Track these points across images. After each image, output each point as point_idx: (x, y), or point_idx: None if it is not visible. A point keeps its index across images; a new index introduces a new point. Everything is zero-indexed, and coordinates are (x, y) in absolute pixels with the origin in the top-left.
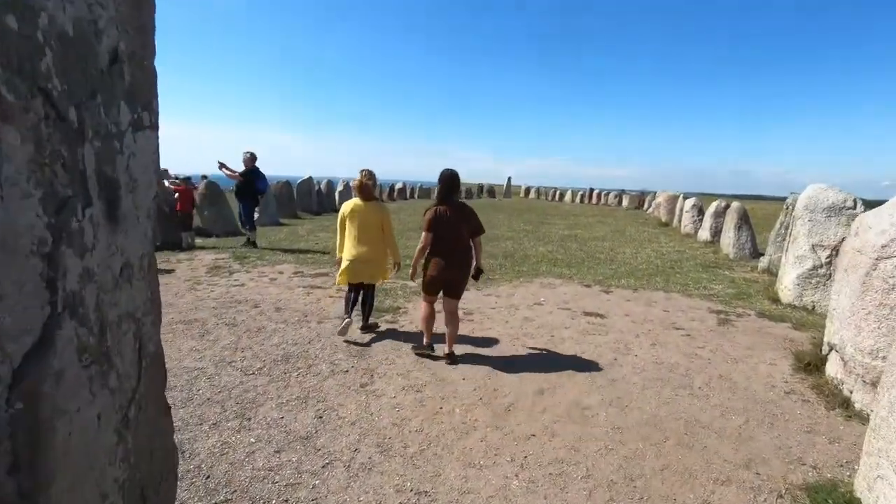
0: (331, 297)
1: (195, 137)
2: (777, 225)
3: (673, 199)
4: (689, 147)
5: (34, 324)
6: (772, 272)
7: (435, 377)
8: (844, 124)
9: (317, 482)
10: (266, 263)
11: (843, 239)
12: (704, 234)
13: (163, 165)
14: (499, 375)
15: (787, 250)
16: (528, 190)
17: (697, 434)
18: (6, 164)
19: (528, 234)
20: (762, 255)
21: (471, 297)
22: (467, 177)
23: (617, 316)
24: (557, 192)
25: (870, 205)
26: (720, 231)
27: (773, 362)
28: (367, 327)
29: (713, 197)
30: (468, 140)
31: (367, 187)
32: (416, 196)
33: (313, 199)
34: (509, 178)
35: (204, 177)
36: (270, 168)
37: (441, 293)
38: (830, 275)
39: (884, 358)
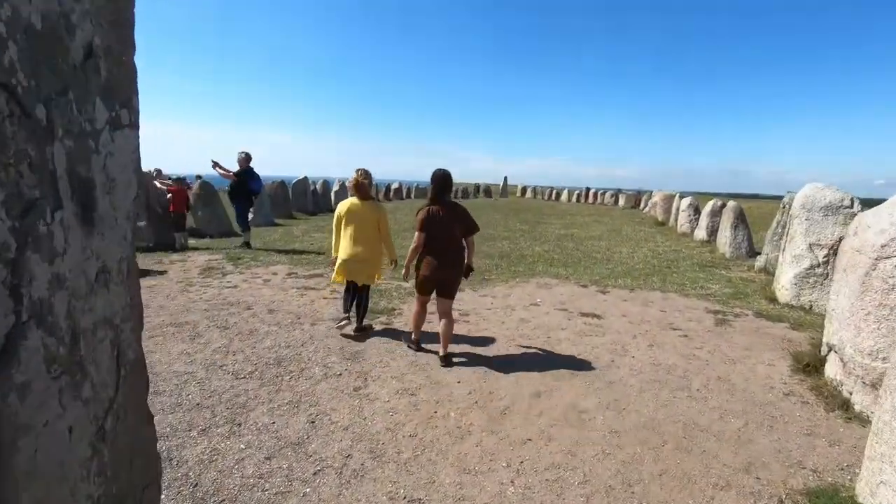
0: (325, 298)
1: (191, 137)
2: (774, 224)
3: (669, 199)
4: (685, 147)
5: None
6: (768, 271)
7: (430, 380)
8: (839, 124)
9: (307, 490)
10: (260, 264)
11: (840, 238)
12: (701, 233)
13: (157, 165)
14: (494, 378)
15: (784, 250)
16: (524, 189)
17: (696, 437)
18: None
19: (524, 234)
20: (759, 254)
21: (467, 298)
22: (464, 176)
23: (614, 316)
24: (554, 192)
25: (864, 203)
26: (716, 230)
27: (772, 363)
28: (360, 329)
29: (709, 196)
30: (465, 140)
31: (364, 186)
32: (412, 196)
33: (308, 199)
34: (506, 178)
35: (198, 177)
36: (267, 168)
37: (434, 294)
38: (828, 274)
39: (884, 359)
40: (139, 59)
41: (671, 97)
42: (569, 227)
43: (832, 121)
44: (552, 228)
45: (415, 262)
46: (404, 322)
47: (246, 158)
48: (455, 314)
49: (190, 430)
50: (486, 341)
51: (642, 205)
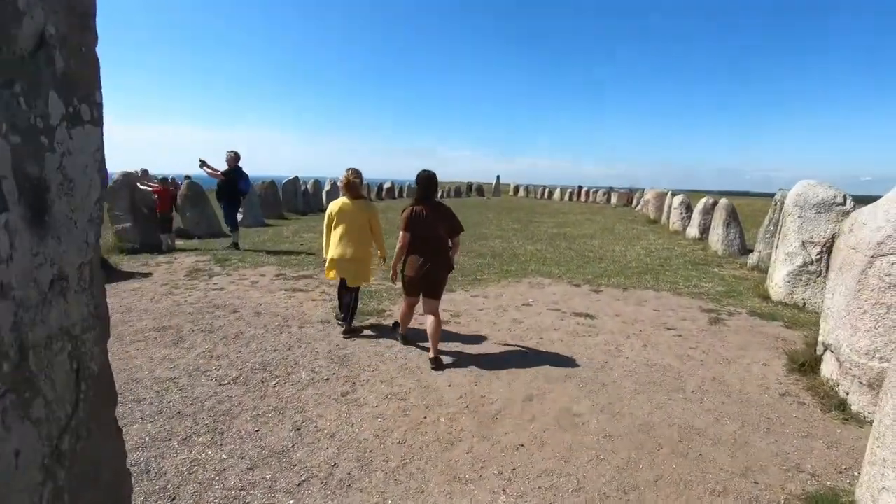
0: (313, 300)
1: (180, 138)
2: (766, 221)
3: (661, 197)
4: (677, 145)
5: None
6: (761, 269)
7: (420, 384)
8: (826, 122)
9: (291, 502)
10: (248, 266)
11: (833, 235)
12: (693, 231)
13: (143, 166)
14: (486, 381)
15: (776, 247)
16: (517, 188)
17: (692, 441)
18: None
19: (516, 233)
20: (751, 251)
21: (459, 299)
22: (456, 176)
23: (607, 316)
24: (546, 190)
25: (854, 200)
26: (709, 228)
27: (767, 363)
28: (350, 331)
29: (701, 194)
30: (458, 139)
31: (355, 185)
32: (404, 195)
33: (299, 199)
34: (498, 177)
35: (187, 177)
36: (258, 168)
37: (421, 295)
38: (821, 272)
39: (881, 358)
40: (131, 57)
41: (663, 96)
42: (561, 226)
43: (820, 119)
44: (544, 227)
45: (401, 262)
46: (393, 324)
47: (234, 157)
48: (447, 315)
49: (170, 440)
50: (478, 343)
51: (634, 203)
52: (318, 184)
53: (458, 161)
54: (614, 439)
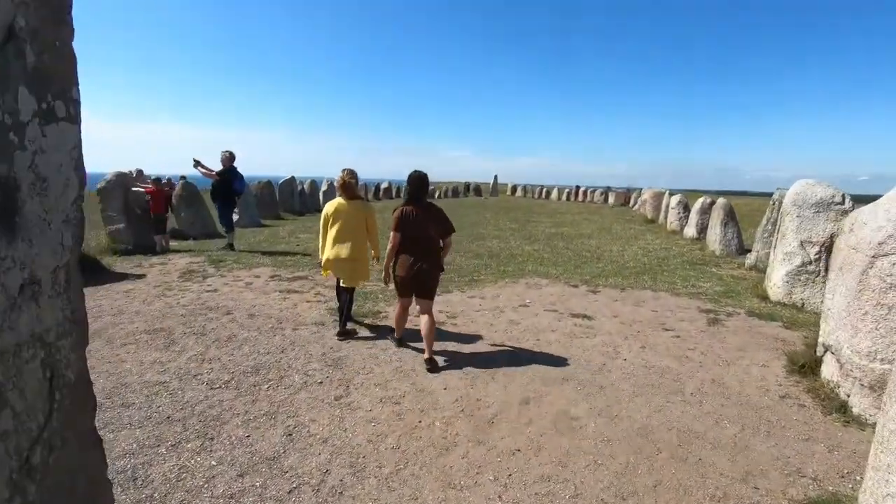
0: (308, 301)
1: (176, 138)
2: (763, 221)
3: (659, 196)
4: (674, 144)
5: None
6: (759, 269)
7: (414, 387)
8: (823, 122)
9: None
10: (242, 267)
11: (831, 235)
12: (691, 230)
13: (139, 166)
14: (482, 384)
15: (775, 247)
16: (514, 188)
17: (691, 445)
18: None
19: (514, 233)
20: (748, 251)
21: (455, 300)
22: (454, 176)
23: (605, 317)
24: (544, 190)
25: (852, 199)
26: (706, 228)
27: (766, 364)
28: (343, 333)
29: (698, 193)
30: (455, 139)
31: (350, 186)
32: (402, 195)
33: (296, 199)
34: (496, 177)
35: (183, 177)
36: (255, 168)
37: (414, 295)
38: (820, 271)
39: (882, 360)
40: (129, 56)
41: (660, 96)
42: (559, 226)
43: (817, 119)
44: (542, 227)
45: (392, 263)
46: (389, 325)
47: (230, 157)
48: (442, 316)
49: (158, 446)
50: (474, 345)
51: (632, 202)
52: (314, 184)
53: (456, 161)
54: (612, 443)
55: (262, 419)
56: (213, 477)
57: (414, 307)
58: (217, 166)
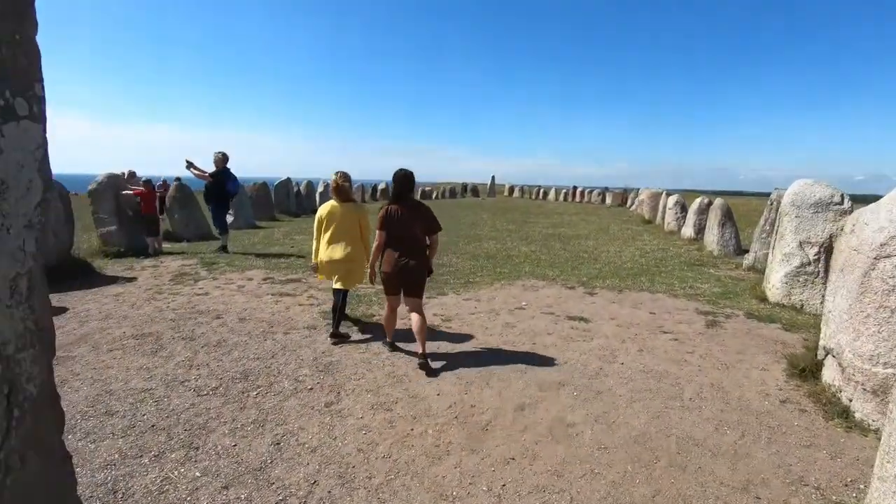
0: (300, 305)
1: (173, 139)
2: (761, 221)
3: (656, 197)
4: (671, 144)
5: None
6: (757, 269)
7: (407, 393)
8: (819, 122)
9: None
10: (235, 269)
11: (830, 235)
12: (688, 231)
13: (132, 167)
14: (476, 389)
15: (773, 248)
16: (511, 189)
17: (690, 453)
18: None
19: (511, 234)
20: (746, 251)
21: (450, 303)
22: (452, 176)
23: (602, 320)
24: (541, 191)
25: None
26: (704, 228)
27: (766, 367)
28: (336, 335)
29: (696, 193)
30: (452, 139)
31: (344, 189)
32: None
33: (291, 200)
34: (493, 177)
35: (177, 179)
36: (252, 170)
37: (402, 294)
38: (819, 272)
39: (885, 364)
40: (125, 56)
41: (657, 96)
42: (556, 227)
43: (813, 119)
44: (539, 228)
45: (378, 262)
46: (383, 330)
47: (223, 158)
48: (437, 320)
49: (141, 457)
50: (469, 349)
51: (629, 203)
52: (310, 185)
53: (454, 161)
54: (609, 451)
55: (250, 427)
56: (197, 489)
57: (403, 309)
58: (210, 167)
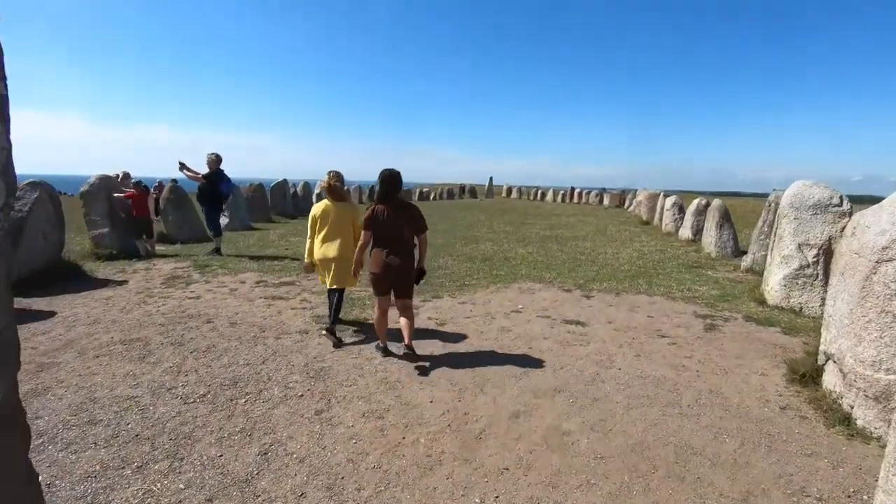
0: (293, 308)
1: (169, 140)
2: (759, 223)
3: (654, 198)
4: (668, 146)
5: None
6: (755, 271)
7: (399, 400)
8: (816, 122)
9: None
10: (228, 272)
11: (829, 238)
12: (686, 232)
13: (126, 168)
14: (470, 396)
15: (772, 250)
16: (510, 190)
17: (689, 462)
18: None
19: (508, 236)
20: (744, 253)
21: (445, 306)
22: (450, 177)
23: (599, 324)
24: (539, 192)
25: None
26: (701, 229)
27: (765, 373)
28: (331, 331)
29: (693, 194)
30: (450, 140)
31: (336, 189)
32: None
33: (288, 201)
34: (491, 178)
35: (174, 181)
36: (249, 171)
37: (392, 294)
38: (818, 275)
39: (888, 370)
40: (122, 56)
41: (656, 97)
42: (553, 228)
43: (811, 120)
44: (536, 229)
45: (362, 259)
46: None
47: (216, 160)
48: (432, 323)
49: (123, 468)
50: (464, 354)
51: (627, 204)
52: (307, 186)
53: (452, 163)
54: (606, 461)
55: (237, 437)
56: (180, 502)
57: (394, 313)
58: (204, 169)
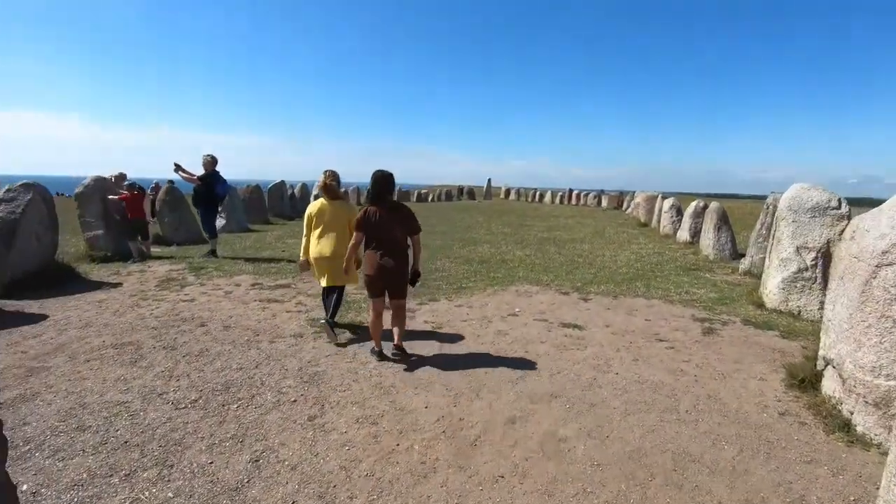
0: (288, 312)
1: (166, 141)
2: (758, 225)
3: (651, 200)
4: (666, 147)
5: None
6: (753, 274)
7: (394, 406)
8: (813, 124)
9: None
10: (223, 275)
11: (828, 241)
12: (684, 234)
13: (120, 170)
14: (466, 401)
15: (770, 253)
16: (508, 191)
17: (687, 470)
18: None
19: (505, 238)
20: (742, 256)
21: (441, 309)
22: (448, 179)
23: (596, 327)
24: (538, 193)
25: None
26: (699, 232)
27: (764, 377)
28: (332, 324)
29: (691, 196)
30: (449, 142)
31: (332, 187)
32: (394, 197)
33: (286, 203)
34: (489, 180)
35: (171, 182)
36: (247, 173)
37: (386, 295)
38: (816, 278)
39: (888, 376)
40: (119, 57)
41: (655, 98)
42: (551, 230)
43: (808, 120)
44: (534, 231)
45: (354, 259)
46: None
47: (211, 161)
48: (428, 326)
49: (111, 476)
50: (459, 358)
51: (625, 206)
52: (305, 187)
53: (451, 164)
54: (603, 468)
55: (228, 443)
56: None
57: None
58: (200, 170)
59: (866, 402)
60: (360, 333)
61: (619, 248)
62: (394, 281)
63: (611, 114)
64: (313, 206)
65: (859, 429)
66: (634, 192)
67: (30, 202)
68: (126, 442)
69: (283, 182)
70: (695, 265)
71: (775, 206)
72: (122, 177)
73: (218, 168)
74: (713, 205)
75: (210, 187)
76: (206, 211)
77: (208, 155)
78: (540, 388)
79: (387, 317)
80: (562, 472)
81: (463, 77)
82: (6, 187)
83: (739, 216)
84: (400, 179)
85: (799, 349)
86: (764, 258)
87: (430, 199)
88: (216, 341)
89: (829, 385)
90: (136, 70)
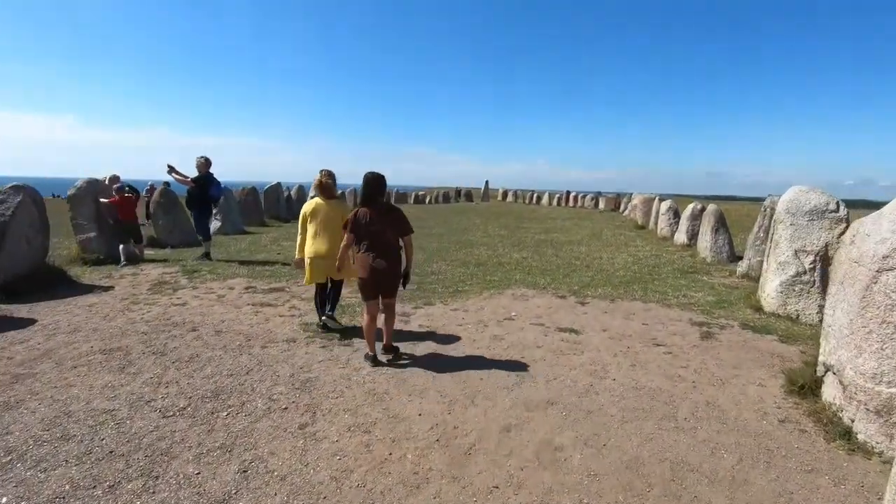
0: (281, 316)
1: (163, 143)
2: (755, 228)
3: (649, 202)
4: (664, 149)
5: None
6: (751, 277)
7: (387, 413)
8: (810, 127)
9: None
10: (216, 278)
11: (826, 244)
12: (681, 237)
13: (114, 171)
14: (460, 408)
15: (768, 256)
16: (505, 193)
17: (685, 479)
18: None
19: (502, 240)
20: (740, 258)
21: (437, 313)
22: (446, 181)
23: (593, 332)
24: (535, 195)
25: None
26: (697, 234)
27: (763, 383)
28: (331, 318)
29: (688, 199)
30: (447, 144)
31: (328, 186)
32: (392, 199)
33: (282, 205)
34: (486, 182)
35: (166, 184)
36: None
37: (380, 297)
38: (815, 282)
39: (889, 383)
40: (117, 58)
41: (653, 100)
42: (549, 232)
43: (805, 122)
44: (531, 233)
45: (346, 258)
46: (366, 343)
47: (205, 163)
48: (423, 330)
49: (94, 488)
50: (454, 363)
51: (622, 208)
52: (302, 189)
53: (449, 166)
54: (599, 478)
55: (217, 453)
56: None
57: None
58: (193, 172)
59: (867, 410)
60: (352, 339)
61: (616, 250)
62: (385, 281)
63: (610, 115)
64: (309, 205)
65: (860, 437)
66: (632, 193)
67: (20, 204)
68: (111, 452)
69: (279, 184)
70: (692, 268)
71: (773, 209)
72: (115, 179)
73: (212, 170)
74: (710, 207)
75: (204, 189)
76: (200, 213)
77: (202, 157)
78: (536, 394)
79: (379, 319)
80: (558, 482)
81: (462, 78)
82: None
83: (737, 218)
84: (397, 181)
85: (798, 354)
86: (762, 261)
87: (427, 201)
88: (207, 346)
89: (830, 391)
90: (131, 71)
